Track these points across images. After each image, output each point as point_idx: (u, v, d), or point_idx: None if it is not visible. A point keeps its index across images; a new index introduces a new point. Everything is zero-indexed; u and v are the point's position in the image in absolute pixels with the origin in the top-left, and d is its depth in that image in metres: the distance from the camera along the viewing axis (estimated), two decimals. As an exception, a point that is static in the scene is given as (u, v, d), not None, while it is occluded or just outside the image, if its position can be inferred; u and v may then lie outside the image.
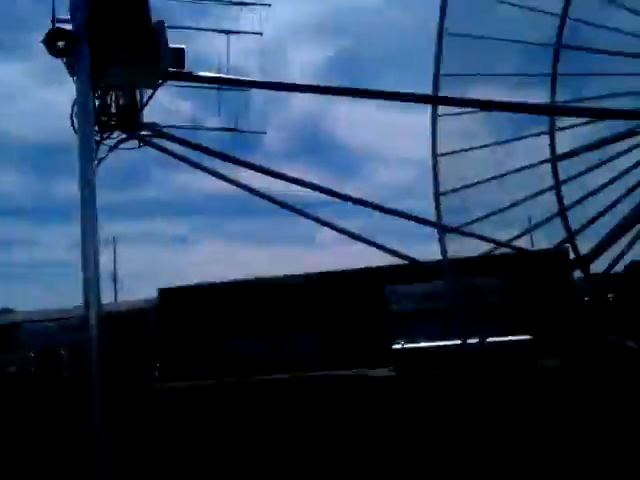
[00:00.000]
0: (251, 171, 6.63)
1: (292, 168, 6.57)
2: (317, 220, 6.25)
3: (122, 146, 6.86)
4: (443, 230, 9.58)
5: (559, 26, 9.23)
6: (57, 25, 5.53)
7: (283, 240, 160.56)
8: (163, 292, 64.44)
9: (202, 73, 6.32)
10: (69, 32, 5.35)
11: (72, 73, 5.68)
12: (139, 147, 6.64)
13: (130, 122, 6.58)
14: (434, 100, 7.49)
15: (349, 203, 6.84)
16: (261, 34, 7.38)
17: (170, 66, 6.01)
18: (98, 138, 6.50)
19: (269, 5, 7.36)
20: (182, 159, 6.52)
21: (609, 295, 10.16)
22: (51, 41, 5.37)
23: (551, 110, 8.15)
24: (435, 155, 9.97)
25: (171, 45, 6.44)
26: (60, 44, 5.34)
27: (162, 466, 15.57)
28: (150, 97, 6.32)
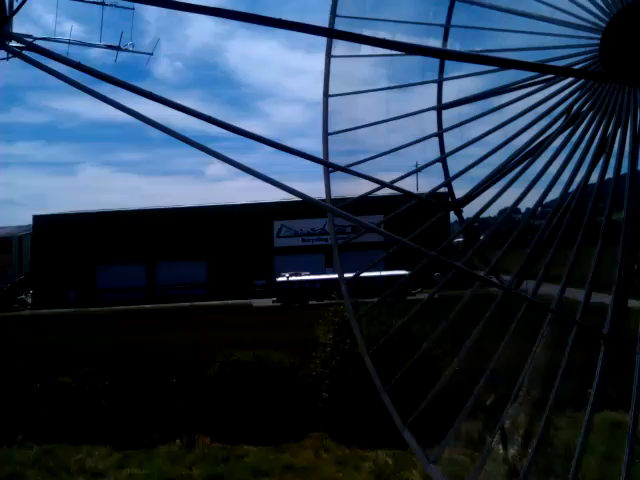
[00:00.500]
0: (142, 98, 6.30)
1: (184, 100, 6.29)
2: (212, 153, 6.14)
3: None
4: (328, 167, 9.73)
5: None
6: None
7: (173, 172, 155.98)
8: (38, 219, 61.05)
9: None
10: None
11: None
12: (7, 59, 6.05)
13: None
14: (330, 33, 7.37)
15: (241, 139, 6.74)
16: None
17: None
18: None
19: None
20: (59, 76, 6.03)
21: (481, 237, 10.98)
22: None
23: (444, 54, 8.32)
24: (326, 95, 9.96)
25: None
26: None
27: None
28: (21, 4, 5.75)
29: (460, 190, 10.28)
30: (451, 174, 10.06)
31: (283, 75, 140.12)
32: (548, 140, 8.73)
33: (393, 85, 9.96)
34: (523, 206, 9.58)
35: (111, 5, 6.90)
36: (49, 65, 6.27)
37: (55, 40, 6.62)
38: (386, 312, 13.74)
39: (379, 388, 9.16)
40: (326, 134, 9.84)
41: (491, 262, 9.63)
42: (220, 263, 59.35)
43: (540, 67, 7.16)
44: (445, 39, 9.76)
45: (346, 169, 9.17)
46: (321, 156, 9.97)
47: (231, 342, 18.18)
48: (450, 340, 10.46)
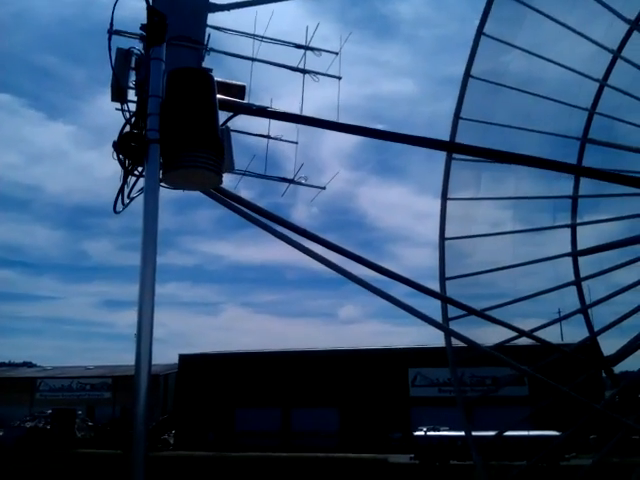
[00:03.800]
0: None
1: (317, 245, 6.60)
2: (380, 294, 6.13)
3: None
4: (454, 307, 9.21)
5: (587, 120, 9.17)
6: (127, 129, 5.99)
7: (306, 314, 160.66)
8: (183, 358, 64.29)
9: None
10: (142, 135, 5.63)
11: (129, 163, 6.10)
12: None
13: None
14: (448, 147, 7.31)
15: (373, 281, 6.68)
16: (339, 78, 7.44)
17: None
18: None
19: (337, 54, 7.50)
20: (242, 214, 6.51)
21: (640, 396, 9.69)
22: (124, 142, 5.70)
23: (577, 170, 7.82)
24: (442, 238, 9.78)
25: (234, 82, 6.78)
26: (132, 145, 5.68)
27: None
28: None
29: (608, 342, 9.32)
30: (595, 324, 9.20)
31: (412, 219, 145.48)
32: None
33: (519, 229, 9.60)
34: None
35: (275, 139, 7.43)
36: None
37: (232, 172, 7.25)
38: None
39: None
40: (444, 278, 9.54)
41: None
42: (353, 411, 57.53)
43: None
44: (577, 180, 9.37)
45: (479, 312, 8.60)
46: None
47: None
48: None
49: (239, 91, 6.72)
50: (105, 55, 5.84)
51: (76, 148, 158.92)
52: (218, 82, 6.30)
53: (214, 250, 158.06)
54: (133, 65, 6.26)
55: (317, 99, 7.75)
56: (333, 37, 7.68)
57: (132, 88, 6.34)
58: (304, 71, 7.32)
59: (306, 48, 7.22)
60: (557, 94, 9.21)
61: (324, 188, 7.67)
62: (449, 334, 9.14)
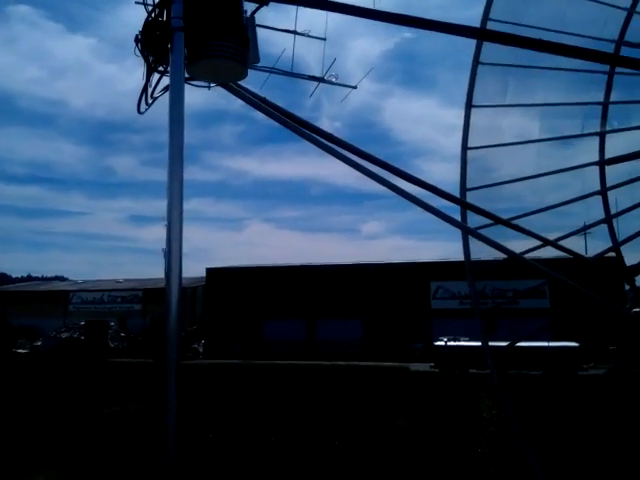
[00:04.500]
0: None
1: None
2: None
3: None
4: (466, 230, 9.02)
5: (624, 21, 8.61)
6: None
7: (330, 229, 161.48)
8: (210, 272, 65.79)
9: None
10: (166, 23, 5.46)
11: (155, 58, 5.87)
12: (209, 88, 6.56)
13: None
14: (477, 33, 6.83)
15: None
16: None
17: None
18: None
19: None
20: (260, 108, 6.33)
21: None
22: (148, 32, 5.51)
23: (613, 59, 7.30)
24: (465, 148, 9.49)
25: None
26: (157, 34, 5.52)
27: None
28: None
29: (631, 253, 9.26)
30: (620, 236, 9.09)
31: (438, 132, 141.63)
32: None
33: (544, 138, 9.27)
34: None
35: (302, 34, 7.00)
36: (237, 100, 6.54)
37: (259, 69, 6.92)
38: (552, 389, 12.38)
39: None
40: (464, 189, 9.37)
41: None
42: (375, 322, 58.98)
43: None
44: (609, 85, 8.94)
45: (500, 219, 8.37)
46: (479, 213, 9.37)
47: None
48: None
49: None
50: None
51: (98, 61, 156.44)
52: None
53: (238, 165, 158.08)
54: None
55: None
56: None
57: None
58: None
59: None
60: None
61: (355, 87, 7.29)
62: (467, 232, 9.02)
